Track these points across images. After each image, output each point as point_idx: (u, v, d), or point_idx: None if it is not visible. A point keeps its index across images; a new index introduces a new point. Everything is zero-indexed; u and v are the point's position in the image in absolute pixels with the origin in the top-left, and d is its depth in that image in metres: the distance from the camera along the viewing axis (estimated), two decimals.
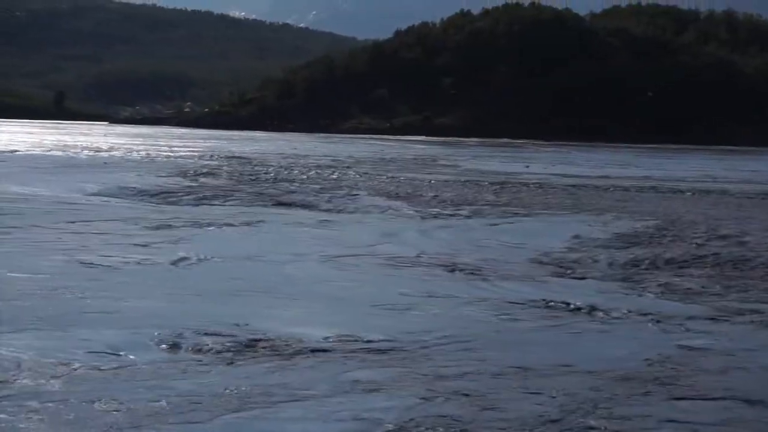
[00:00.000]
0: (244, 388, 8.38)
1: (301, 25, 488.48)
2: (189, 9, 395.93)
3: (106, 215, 22.31)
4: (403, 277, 14.60)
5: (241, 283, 13.63)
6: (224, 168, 43.13)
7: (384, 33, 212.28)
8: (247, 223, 21.58)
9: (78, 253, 15.72)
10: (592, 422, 7.78)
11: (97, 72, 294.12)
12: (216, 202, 26.99)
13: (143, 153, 58.04)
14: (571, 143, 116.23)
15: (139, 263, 15.11)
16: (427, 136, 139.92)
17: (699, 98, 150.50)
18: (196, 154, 58.96)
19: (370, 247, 17.99)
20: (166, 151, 61.45)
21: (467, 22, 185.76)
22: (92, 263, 14.78)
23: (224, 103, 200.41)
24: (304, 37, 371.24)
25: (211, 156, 56.00)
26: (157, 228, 19.87)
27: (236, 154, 58.90)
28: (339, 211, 25.55)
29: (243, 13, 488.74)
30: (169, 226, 20.23)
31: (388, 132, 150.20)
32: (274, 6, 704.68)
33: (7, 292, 12.14)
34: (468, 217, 24.91)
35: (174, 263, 15.14)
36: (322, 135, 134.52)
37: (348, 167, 46.88)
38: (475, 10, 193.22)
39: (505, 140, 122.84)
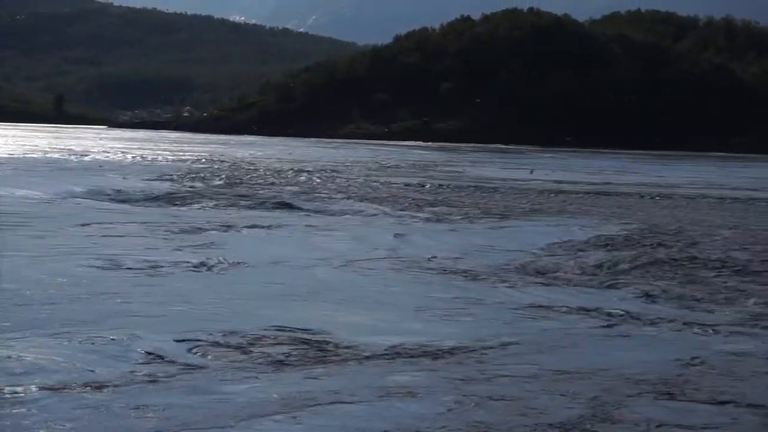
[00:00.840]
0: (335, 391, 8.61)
1: (301, 29, 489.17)
2: (189, 13, 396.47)
3: (93, 218, 22.54)
4: (430, 283, 14.79)
5: (281, 288, 13.87)
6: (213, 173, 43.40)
7: (384, 38, 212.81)
8: (257, 227, 21.86)
9: (101, 257, 15.77)
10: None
11: (98, 76, 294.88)
12: (196, 205, 27.27)
13: (131, 156, 58.30)
14: (569, 149, 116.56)
15: (172, 265, 15.30)
16: (425, 141, 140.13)
17: (698, 105, 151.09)
18: (187, 159, 59.19)
19: (389, 250, 18.28)
20: (160, 156, 61.63)
21: (467, 28, 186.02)
22: (129, 266, 14.99)
23: (223, 107, 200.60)
24: (304, 42, 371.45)
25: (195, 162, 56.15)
26: (175, 232, 20.02)
27: (221, 159, 59.05)
28: (340, 214, 25.81)
29: (243, 18, 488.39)
30: (187, 231, 20.40)
31: (386, 137, 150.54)
32: (275, 10, 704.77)
33: (42, 296, 12.25)
34: (500, 225, 25.10)
35: (208, 267, 15.29)
36: (321, 140, 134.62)
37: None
38: (475, 16, 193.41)
39: (511, 146, 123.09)
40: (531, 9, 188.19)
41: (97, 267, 14.63)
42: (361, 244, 19.42)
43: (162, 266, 14.94)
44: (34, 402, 7.90)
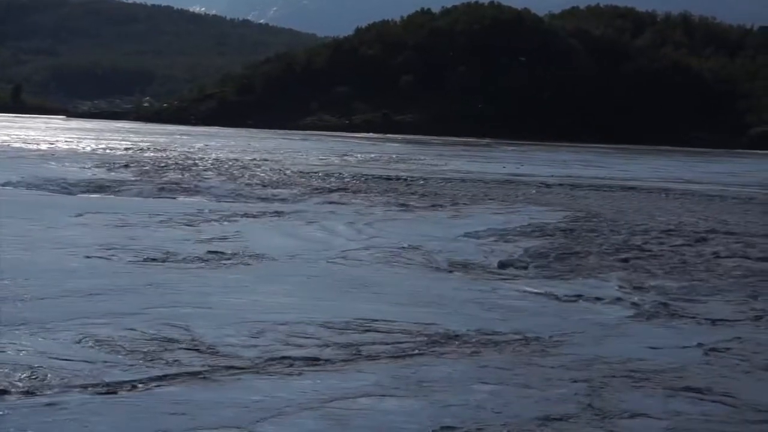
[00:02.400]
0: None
1: (262, 21, 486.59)
2: (149, 4, 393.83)
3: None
4: (440, 278, 15.12)
5: (321, 281, 14.23)
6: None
7: (344, 30, 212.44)
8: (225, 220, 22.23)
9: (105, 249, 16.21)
10: None
11: (57, 66, 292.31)
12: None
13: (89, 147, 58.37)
14: (531, 143, 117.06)
15: (186, 259, 15.68)
16: (385, 133, 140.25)
17: (657, 100, 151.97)
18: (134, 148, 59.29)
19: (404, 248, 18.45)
20: (115, 145, 61.70)
21: (427, 21, 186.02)
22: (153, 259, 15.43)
23: (184, 98, 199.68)
24: (264, 33, 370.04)
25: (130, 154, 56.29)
26: (169, 220, 20.70)
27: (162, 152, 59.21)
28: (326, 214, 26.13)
29: (203, 9, 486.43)
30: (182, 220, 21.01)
31: (347, 129, 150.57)
32: (235, 2, 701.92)
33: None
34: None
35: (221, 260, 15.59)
36: (281, 132, 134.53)
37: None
38: (436, 9, 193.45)
39: (471, 140, 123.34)
40: (491, 2, 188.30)
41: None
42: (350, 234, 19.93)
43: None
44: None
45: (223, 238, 18.27)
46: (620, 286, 14.50)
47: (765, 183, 47.94)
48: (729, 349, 10.87)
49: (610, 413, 8.43)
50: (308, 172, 39.79)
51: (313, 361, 9.69)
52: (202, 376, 8.99)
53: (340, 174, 40.07)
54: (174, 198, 26.96)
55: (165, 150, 57.82)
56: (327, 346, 10.26)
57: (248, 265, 15.29)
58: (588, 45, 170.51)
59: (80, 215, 21.31)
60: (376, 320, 11.48)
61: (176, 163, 43.08)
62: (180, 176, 35.36)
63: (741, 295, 14.34)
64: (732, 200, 34.53)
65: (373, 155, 62.51)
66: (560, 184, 38.88)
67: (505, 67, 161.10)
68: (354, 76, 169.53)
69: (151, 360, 9.44)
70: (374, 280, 14.41)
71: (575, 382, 9.30)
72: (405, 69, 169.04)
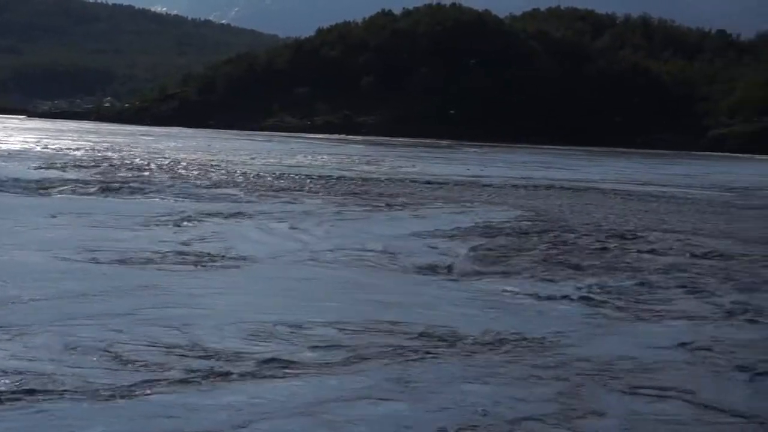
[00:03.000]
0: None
1: (224, 21, 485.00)
2: (110, 3, 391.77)
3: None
4: (416, 280, 15.22)
5: (309, 284, 14.33)
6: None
7: (306, 31, 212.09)
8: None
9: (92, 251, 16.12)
10: None
11: (18, 65, 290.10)
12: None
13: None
14: (492, 144, 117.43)
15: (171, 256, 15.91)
16: (347, 134, 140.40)
17: (617, 102, 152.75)
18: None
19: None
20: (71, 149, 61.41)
21: (389, 22, 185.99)
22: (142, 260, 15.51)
23: (145, 98, 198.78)
24: (226, 34, 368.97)
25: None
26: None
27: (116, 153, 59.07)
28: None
29: (165, 9, 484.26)
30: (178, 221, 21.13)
31: (308, 130, 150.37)
32: (197, 2, 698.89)
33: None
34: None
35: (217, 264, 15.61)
36: (243, 133, 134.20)
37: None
38: (397, 10, 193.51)
39: (430, 141, 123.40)
40: (453, 4, 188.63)
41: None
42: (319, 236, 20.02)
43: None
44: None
45: (202, 239, 18.30)
46: (578, 286, 14.75)
47: (719, 185, 48.43)
48: (702, 348, 11.11)
49: (577, 413, 8.55)
50: (274, 174, 39.69)
51: (297, 364, 9.75)
52: (193, 379, 8.98)
53: (307, 174, 40.14)
54: (136, 198, 26.95)
55: (124, 150, 57.72)
56: (315, 347, 10.39)
57: (234, 267, 15.31)
58: (549, 47, 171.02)
59: (54, 216, 21.28)
60: (365, 321, 11.66)
61: (136, 163, 42.97)
62: (139, 176, 35.34)
63: (701, 293, 14.69)
64: (685, 201, 34.97)
65: (335, 156, 62.50)
66: (524, 186, 39.13)
67: (466, 69, 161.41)
68: (315, 77, 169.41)
69: (141, 364, 9.41)
70: (361, 282, 14.58)
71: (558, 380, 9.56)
72: (366, 70, 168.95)
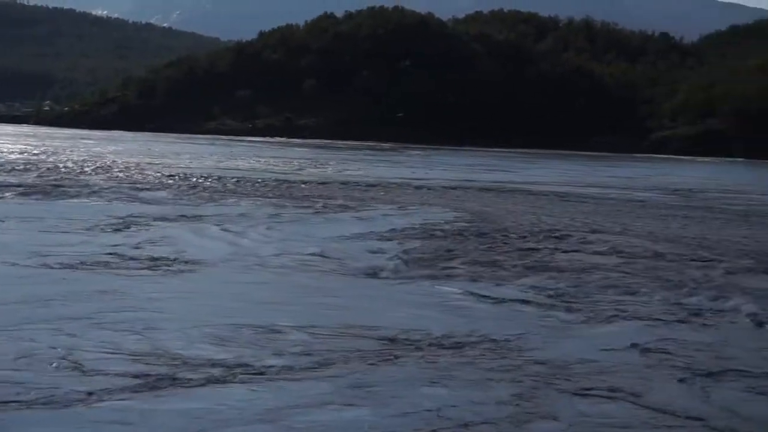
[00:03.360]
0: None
1: (165, 24, 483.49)
2: (50, 6, 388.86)
3: None
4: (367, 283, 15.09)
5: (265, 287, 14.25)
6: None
7: (248, 34, 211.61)
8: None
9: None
10: None
11: None
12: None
13: None
14: (435, 147, 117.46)
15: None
16: (289, 137, 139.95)
17: (560, 104, 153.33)
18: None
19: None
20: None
21: (331, 25, 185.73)
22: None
23: (85, 101, 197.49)
24: (167, 37, 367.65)
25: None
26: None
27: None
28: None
29: (106, 12, 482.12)
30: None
31: (250, 133, 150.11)
32: (138, 5, 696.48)
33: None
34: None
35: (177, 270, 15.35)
36: (184, 136, 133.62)
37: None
38: (339, 13, 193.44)
39: (372, 143, 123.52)
40: (395, 7, 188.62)
41: None
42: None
43: None
44: None
45: (152, 243, 18.16)
46: (522, 288, 14.78)
47: (662, 187, 48.29)
48: (655, 350, 11.04)
49: (527, 417, 8.42)
50: (217, 177, 39.42)
51: (259, 369, 9.51)
52: (151, 385, 8.77)
53: (251, 178, 39.86)
54: (80, 201, 26.54)
55: (64, 154, 57.23)
56: (279, 353, 10.15)
57: (189, 272, 15.12)
58: (491, 49, 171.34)
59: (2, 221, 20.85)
60: (323, 326, 11.54)
61: (77, 167, 42.47)
62: (81, 179, 34.78)
63: (635, 294, 14.65)
64: (626, 203, 34.87)
65: (279, 159, 62.26)
66: (466, 188, 39.12)
67: (409, 71, 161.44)
68: (256, 80, 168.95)
69: (98, 370, 9.17)
70: (317, 286, 14.51)
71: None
72: (308, 73, 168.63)
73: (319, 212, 26.26)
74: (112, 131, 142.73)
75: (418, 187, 38.45)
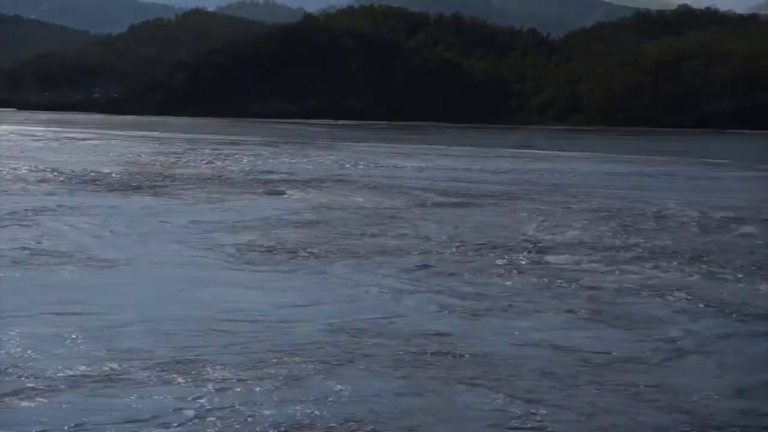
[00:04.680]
0: None
1: (33, 17, 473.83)
2: None
3: None
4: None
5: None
6: None
7: (117, 27, 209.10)
8: None
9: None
10: None
11: None
12: None
13: None
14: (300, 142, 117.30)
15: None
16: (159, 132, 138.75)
17: (431, 99, 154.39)
18: None
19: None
20: None
21: (202, 19, 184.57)
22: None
23: None
24: (35, 30, 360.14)
25: None
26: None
27: None
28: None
29: None
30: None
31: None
32: None
33: None
34: None
35: None
36: (55, 129, 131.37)
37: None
38: (211, 8, 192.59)
39: (239, 138, 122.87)
40: (266, 2, 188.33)
41: None
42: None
43: None
44: None
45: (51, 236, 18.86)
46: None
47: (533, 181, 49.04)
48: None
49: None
50: (90, 171, 39.09)
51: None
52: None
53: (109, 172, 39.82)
54: None
55: None
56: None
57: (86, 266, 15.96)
58: (363, 44, 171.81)
59: None
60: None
61: None
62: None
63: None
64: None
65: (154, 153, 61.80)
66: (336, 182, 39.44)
67: (280, 67, 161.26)
68: (126, 74, 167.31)
69: None
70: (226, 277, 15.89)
71: None
72: (181, 67, 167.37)
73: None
74: None
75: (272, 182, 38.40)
